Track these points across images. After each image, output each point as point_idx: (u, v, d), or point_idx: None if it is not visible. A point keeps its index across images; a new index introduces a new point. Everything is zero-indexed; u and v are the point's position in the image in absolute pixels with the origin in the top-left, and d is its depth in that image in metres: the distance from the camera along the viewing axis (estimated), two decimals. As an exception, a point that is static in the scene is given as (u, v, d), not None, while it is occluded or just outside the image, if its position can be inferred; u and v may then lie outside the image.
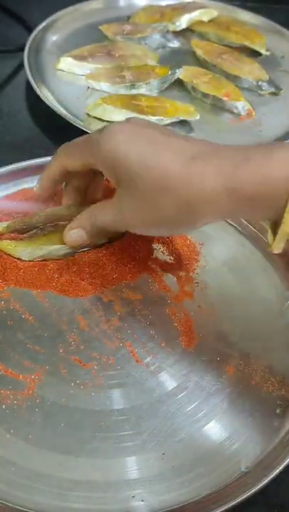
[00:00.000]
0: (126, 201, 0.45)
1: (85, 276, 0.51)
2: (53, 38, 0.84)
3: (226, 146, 0.44)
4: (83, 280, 0.51)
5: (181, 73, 0.77)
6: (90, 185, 0.53)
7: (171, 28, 0.88)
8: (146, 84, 0.75)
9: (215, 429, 0.44)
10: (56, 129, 0.70)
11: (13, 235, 0.52)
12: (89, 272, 0.51)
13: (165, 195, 0.42)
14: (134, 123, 0.46)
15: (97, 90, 0.75)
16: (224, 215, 0.45)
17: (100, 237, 0.52)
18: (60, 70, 0.78)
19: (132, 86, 0.75)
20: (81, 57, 0.78)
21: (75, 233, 0.50)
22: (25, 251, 0.51)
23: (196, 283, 0.53)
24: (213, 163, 0.41)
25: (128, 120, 0.48)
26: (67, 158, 0.49)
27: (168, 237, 0.55)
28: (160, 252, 0.55)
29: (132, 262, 0.53)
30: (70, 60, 0.78)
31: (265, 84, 0.79)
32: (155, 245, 0.55)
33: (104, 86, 0.75)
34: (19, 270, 0.51)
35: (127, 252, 0.53)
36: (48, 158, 0.60)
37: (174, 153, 0.43)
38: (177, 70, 0.77)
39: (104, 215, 0.48)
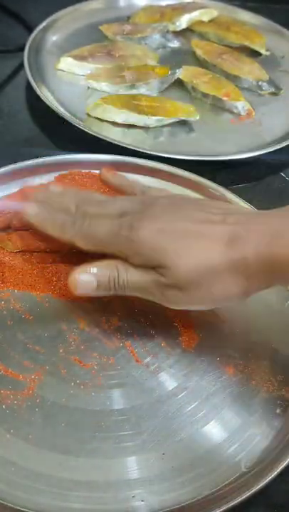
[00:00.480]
0: (167, 287, 0.43)
1: None
2: (53, 38, 0.84)
3: (259, 214, 0.44)
4: None
5: (181, 73, 0.77)
6: None
7: (171, 28, 0.88)
8: (146, 84, 0.75)
9: (215, 429, 0.44)
10: (56, 129, 0.70)
11: None
12: None
13: (209, 286, 0.41)
14: (159, 217, 0.43)
15: (97, 90, 0.75)
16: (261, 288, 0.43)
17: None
18: (60, 70, 0.78)
19: (132, 86, 0.75)
20: (81, 57, 0.78)
21: (85, 280, 0.43)
22: None
23: (196, 283, 0.53)
24: (250, 245, 0.40)
25: (153, 211, 0.44)
26: (89, 246, 0.45)
27: None
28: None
29: None
30: (70, 60, 0.78)
31: (265, 84, 0.79)
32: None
33: (105, 86, 0.75)
34: (18, 273, 0.51)
35: None
36: (48, 158, 0.61)
37: (209, 242, 0.41)
38: (177, 70, 0.77)
39: (139, 278, 0.44)
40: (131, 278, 0.43)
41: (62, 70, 0.78)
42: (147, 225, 0.43)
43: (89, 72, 0.77)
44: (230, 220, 0.42)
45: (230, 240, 0.41)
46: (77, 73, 0.77)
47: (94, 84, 0.75)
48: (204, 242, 0.42)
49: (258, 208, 0.58)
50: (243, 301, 0.43)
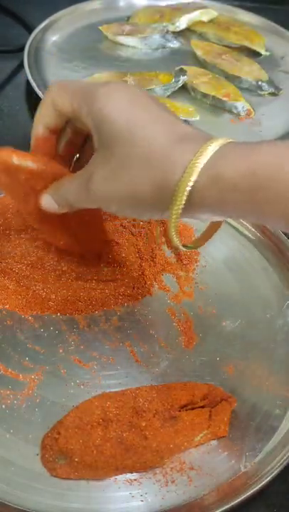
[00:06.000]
0: (100, 166, 0.41)
1: (84, 297, 0.50)
2: (53, 38, 0.84)
3: (217, 136, 0.40)
4: (80, 301, 0.50)
5: (185, 80, 0.76)
6: (82, 152, 0.48)
7: (171, 28, 0.88)
8: (149, 90, 0.74)
9: (215, 429, 0.44)
10: (56, 129, 0.70)
11: None
12: (87, 297, 0.50)
13: (143, 168, 0.39)
14: (134, 88, 0.43)
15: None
16: (209, 207, 0.39)
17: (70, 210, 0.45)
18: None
19: None
20: None
21: (45, 199, 0.45)
22: None
23: (196, 283, 0.53)
24: (198, 148, 0.38)
25: (129, 85, 0.44)
26: (58, 96, 0.44)
27: (168, 238, 0.55)
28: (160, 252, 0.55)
29: (136, 288, 0.52)
30: None
31: (264, 84, 0.79)
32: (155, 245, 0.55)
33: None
34: (11, 294, 0.50)
35: (131, 281, 0.52)
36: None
37: (164, 128, 0.40)
38: (181, 77, 0.76)
39: (69, 183, 0.43)
40: (66, 186, 0.44)
41: None
42: (116, 86, 0.42)
43: None
44: (188, 125, 0.41)
45: (183, 138, 0.39)
46: None
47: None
48: (160, 125, 0.40)
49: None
50: (157, 216, 0.41)
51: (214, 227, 0.44)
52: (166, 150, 0.39)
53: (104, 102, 0.41)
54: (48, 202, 0.45)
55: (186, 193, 0.38)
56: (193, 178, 0.37)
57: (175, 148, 0.39)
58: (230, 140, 0.39)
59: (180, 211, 0.38)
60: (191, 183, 0.37)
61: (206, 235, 0.45)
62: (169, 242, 0.54)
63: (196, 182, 0.37)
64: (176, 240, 0.41)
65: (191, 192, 0.37)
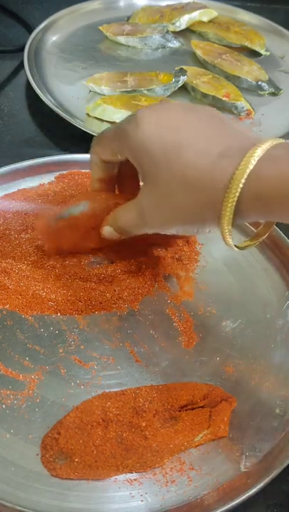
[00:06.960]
0: (147, 198, 0.43)
1: (84, 297, 0.50)
2: (53, 38, 0.84)
3: (256, 139, 0.40)
4: (80, 301, 0.50)
5: (185, 80, 0.76)
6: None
7: (171, 28, 0.88)
8: (148, 90, 0.74)
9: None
10: (56, 129, 0.70)
11: None
12: (87, 297, 0.50)
13: (185, 193, 0.40)
14: (163, 108, 0.43)
15: (99, 94, 0.75)
16: (256, 215, 0.40)
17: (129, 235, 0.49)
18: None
19: (134, 92, 0.74)
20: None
21: (106, 230, 0.49)
22: None
23: (196, 283, 0.53)
24: (239, 163, 0.38)
25: (159, 104, 0.45)
26: (100, 149, 0.47)
27: (167, 237, 0.55)
28: (160, 252, 0.55)
29: (137, 288, 0.52)
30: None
31: (264, 84, 0.79)
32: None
33: (105, 90, 0.74)
34: (11, 294, 0.49)
35: (132, 282, 0.52)
36: (48, 158, 0.61)
37: (199, 147, 0.40)
38: (181, 77, 0.76)
39: (125, 215, 0.46)
40: (123, 218, 0.47)
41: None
42: (143, 115, 0.42)
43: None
44: (226, 131, 0.41)
45: (221, 154, 0.39)
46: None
47: (95, 88, 0.75)
48: (195, 145, 0.40)
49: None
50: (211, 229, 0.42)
51: (268, 225, 0.45)
52: (205, 171, 0.39)
53: (135, 139, 0.42)
54: (109, 232, 0.48)
55: (231, 210, 0.39)
56: (237, 194, 0.38)
57: (214, 167, 0.39)
58: (276, 142, 0.39)
59: (230, 226, 0.40)
60: (234, 200, 0.38)
61: (260, 233, 0.45)
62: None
63: (240, 195, 0.38)
64: (231, 243, 0.42)
65: (236, 206, 0.38)
